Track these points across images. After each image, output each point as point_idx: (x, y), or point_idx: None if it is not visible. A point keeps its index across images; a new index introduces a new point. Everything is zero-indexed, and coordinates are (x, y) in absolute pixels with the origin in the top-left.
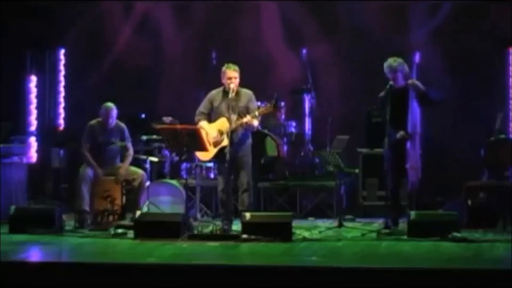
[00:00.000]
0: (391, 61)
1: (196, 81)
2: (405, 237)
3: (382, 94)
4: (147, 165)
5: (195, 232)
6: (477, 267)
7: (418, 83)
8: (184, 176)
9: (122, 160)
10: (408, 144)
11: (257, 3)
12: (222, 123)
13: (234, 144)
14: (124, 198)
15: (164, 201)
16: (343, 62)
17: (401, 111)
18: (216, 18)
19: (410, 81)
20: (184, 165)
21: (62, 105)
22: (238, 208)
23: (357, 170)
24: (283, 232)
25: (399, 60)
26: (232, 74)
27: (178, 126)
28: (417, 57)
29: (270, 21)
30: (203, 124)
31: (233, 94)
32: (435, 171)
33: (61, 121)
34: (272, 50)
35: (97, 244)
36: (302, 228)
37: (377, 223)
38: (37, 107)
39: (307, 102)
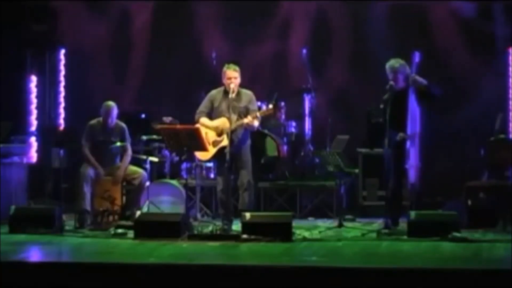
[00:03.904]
0: (393, 62)
1: (196, 81)
2: (405, 237)
3: (385, 96)
4: (147, 165)
5: (195, 232)
6: (477, 267)
7: (419, 78)
8: (184, 176)
9: (122, 160)
10: (408, 144)
11: (258, 3)
12: (223, 122)
13: (234, 144)
14: (124, 198)
15: (164, 201)
16: (343, 62)
17: (401, 112)
18: (216, 18)
19: (411, 77)
20: (184, 165)
21: (62, 105)
22: (238, 208)
23: (357, 170)
24: (283, 232)
25: (401, 61)
26: (232, 74)
27: (178, 126)
28: (416, 57)
29: (271, 21)
30: (204, 120)
31: (234, 94)
32: (435, 171)
33: (61, 121)
34: (272, 50)
35: (97, 244)
36: (302, 228)
37: (377, 223)
38: (37, 107)
39: (307, 102)
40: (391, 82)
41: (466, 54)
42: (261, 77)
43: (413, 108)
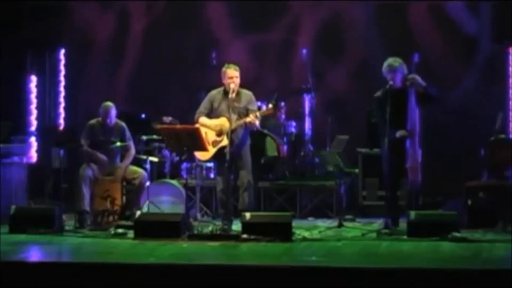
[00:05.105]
0: (392, 61)
1: (196, 81)
2: (405, 237)
3: (378, 94)
4: (147, 165)
5: (195, 232)
6: (477, 267)
7: (418, 78)
8: (184, 176)
9: (122, 160)
10: (408, 144)
11: (259, 3)
12: (223, 122)
13: (234, 144)
14: (124, 198)
15: (164, 201)
16: (343, 62)
17: (400, 111)
18: (219, 18)
19: (410, 76)
20: (184, 165)
21: (62, 105)
22: (238, 208)
23: (357, 170)
24: (283, 232)
25: (399, 60)
26: (233, 74)
27: (178, 126)
28: (416, 57)
29: (270, 21)
30: (203, 120)
31: (233, 94)
32: (435, 171)
33: (61, 121)
34: (271, 50)
35: (97, 244)
36: (302, 228)
37: (377, 223)
38: (37, 107)
39: (307, 102)
40: (391, 82)
41: (451, 56)
42: (262, 77)
43: (413, 107)
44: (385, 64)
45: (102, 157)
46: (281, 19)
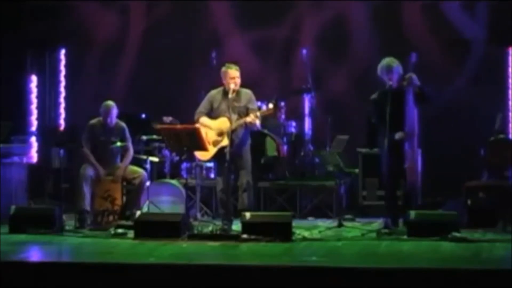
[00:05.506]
0: (389, 61)
1: (196, 81)
2: (405, 237)
3: (374, 96)
4: (147, 165)
5: (195, 232)
6: (477, 267)
7: (415, 77)
8: (184, 176)
9: (122, 160)
10: (406, 145)
11: (259, 3)
12: (223, 122)
13: (234, 144)
14: (124, 198)
15: (164, 201)
16: (344, 62)
17: (399, 111)
18: (217, 18)
19: (407, 76)
20: (184, 165)
21: (63, 105)
22: (238, 208)
23: (357, 170)
24: (283, 232)
25: (396, 61)
26: (234, 74)
27: (178, 126)
28: (413, 57)
29: (270, 21)
30: (204, 120)
31: (233, 94)
32: (435, 171)
33: (62, 121)
34: (271, 50)
35: (97, 244)
36: (302, 228)
37: (377, 223)
38: (38, 107)
39: (307, 102)
40: (390, 83)
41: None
42: (262, 77)
43: (411, 108)
44: (382, 65)
45: (100, 169)
46: (281, 19)
